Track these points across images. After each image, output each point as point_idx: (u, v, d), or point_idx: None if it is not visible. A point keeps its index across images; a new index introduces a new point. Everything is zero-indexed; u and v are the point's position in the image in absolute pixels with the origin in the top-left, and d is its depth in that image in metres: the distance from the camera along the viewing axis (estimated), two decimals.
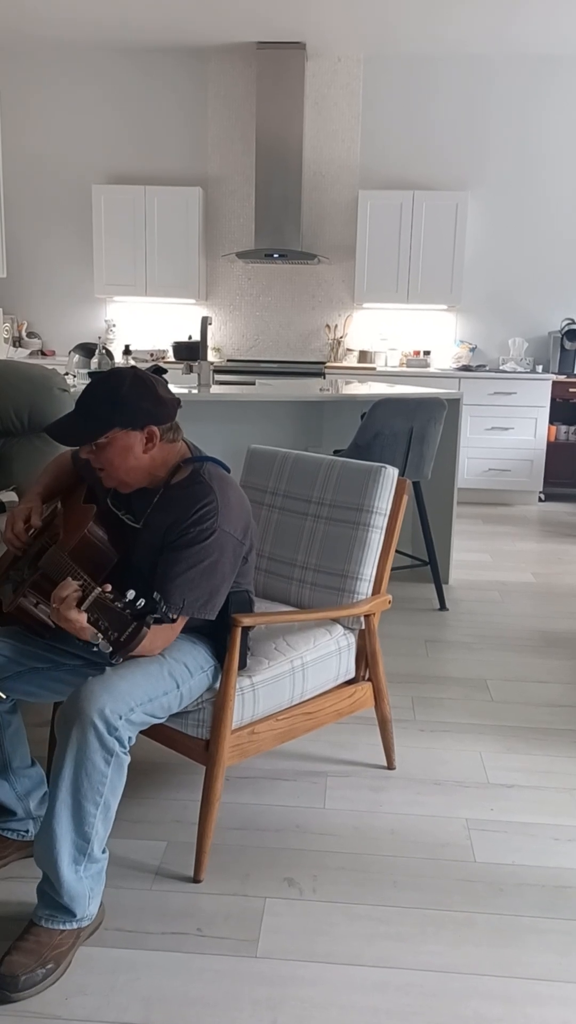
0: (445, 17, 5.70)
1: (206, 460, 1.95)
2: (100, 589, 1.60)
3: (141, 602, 1.57)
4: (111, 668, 1.82)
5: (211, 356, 6.92)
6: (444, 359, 6.87)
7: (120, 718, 1.74)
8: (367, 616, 2.36)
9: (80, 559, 1.84)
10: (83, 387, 1.86)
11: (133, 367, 1.89)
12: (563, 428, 6.62)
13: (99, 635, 1.56)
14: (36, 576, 1.89)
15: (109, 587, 1.62)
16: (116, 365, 4.85)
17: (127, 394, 1.82)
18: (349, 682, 2.42)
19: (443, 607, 4.06)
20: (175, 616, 1.80)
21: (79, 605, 1.60)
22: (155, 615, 1.56)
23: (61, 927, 1.77)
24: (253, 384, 4.77)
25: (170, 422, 1.89)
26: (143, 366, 1.99)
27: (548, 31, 5.92)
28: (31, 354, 6.78)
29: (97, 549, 1.90)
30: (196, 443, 2.12)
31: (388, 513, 2.39)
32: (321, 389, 4.41)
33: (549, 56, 6.42)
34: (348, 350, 6.92)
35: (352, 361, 6.87)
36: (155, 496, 1.94)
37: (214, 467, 1.94)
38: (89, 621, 1.58)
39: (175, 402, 1.90)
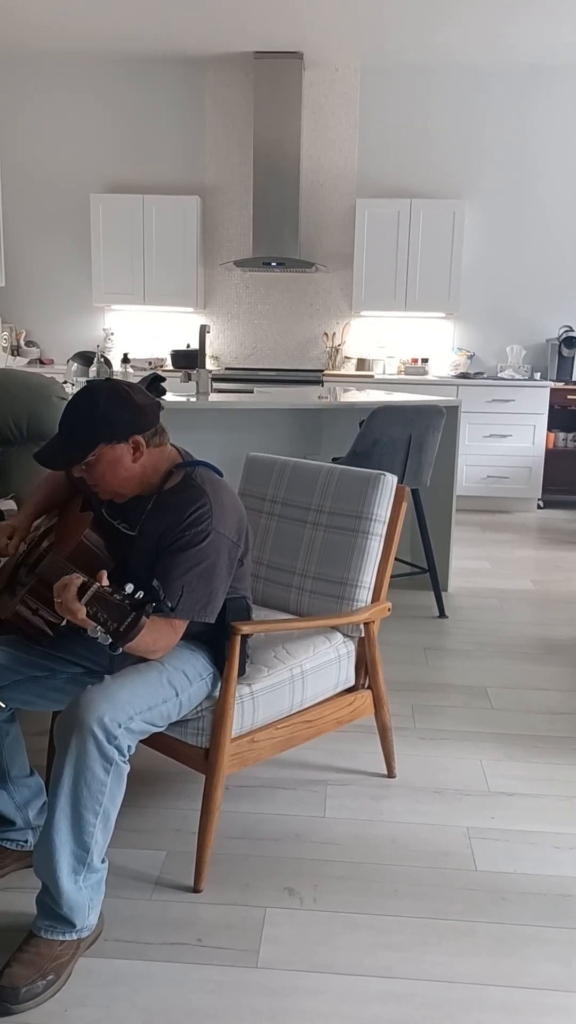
0: (441, 27, 5.73)
1: (198, 464, 1.96)
2: (99, 584, 1.60)
3: (140, 593, 1.58)
4: (110, 676, 1.82)
5: (209, 364, 6.92)
6: (442, 367, 6.88)
7: (119, 726, 1.73)
8: (367, 624, 2.35)
9: (77, 565, 1.84)
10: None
11: (108, 379, 1.88)
12: (561, 435, 6.62)
13: (98, 628, 1.56)
14: (34, 582, 1.89)
15: (107, 582, 1.62)
16: (114, 373, 4.86)
17: (104, 409, 1.81)
18: (349, 690, 2.41)
19: (442, 615, 4.05)
20: (172, 605, 1.80)
21: (81, 599, 1.59)
22: (154, 603, 1.56)
23: (61, 938, 1.76)
24: (251, 392, 4.77)
25: (153, 427, 1.89)
26: (141, 375, 2.00)
27: (542, 41, 5.95)
28: (29, 363, 6.79)
29: (94, 555, 1.90)
30: (195, 451, 2.12)
31: (387, 520, 2.39)
32: (319, 397, 4.41)
33: (543, 66, 6.45)
34: (346, 358, 6.93)
35: (350, 369, 6.87)
36: (149, 503, 1.93)
37: (206, 471, 1.95)
38: (88, 615, 1.57)
39: (155, 406, 1.90)
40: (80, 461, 1.83)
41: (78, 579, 1.61)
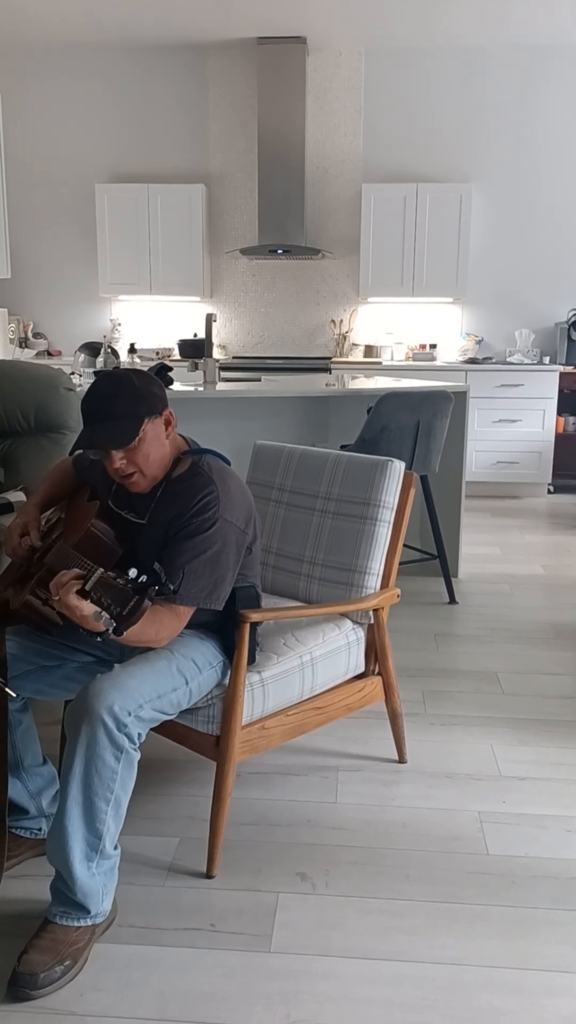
0: (444, 9, 5.67)
1: (204, 452, 1.97)
2: (103, 570, 1.61)
3: (143, 578, 1.59)
4: (119, 665, 1.82)
5: (216, 353, 6.91)
6: (450, 352, 6.85)
7: (129, 715, 1.74)
8: (376, 610, 2.36)
9: (85, 553, 1.84)
10: (88, 390, 1.87)
11: (116, 368, 1.93)
12: (571, 419, 6.59)
13: (102, 613, 1.57)
14: (43, 572, 1.89)
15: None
16: (122, 364, 4.86)
17: (140, 385, 1.87)
18: (359, 676, 2.41)
19: (452, 600, 4.05)
20: (175, 587, 1.80)
21: (84, 586, 1.60)
22: (156, 586, 1.58)
23: (76, 924, 1.78)
24: (259, 380, 4.77)
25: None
26: (149, 364, 2.04)
27: (545, 22, 5.88)
28: (37, 354, 6.79)
29: (101, 543, 1.91)
30: (202, 440, 2.13)
31: (395, 507, 2.39)
32: (327, 384, 4.40)
33: (547, 46, 6.38)
34: (354, 345, 6.91)
35: (358, 356, 6.85)
36: (157, 491, 1.94)
37: (213, 459, 1.96)
38: (93, 600, 1.58)
39: (162, 388, 1.98)
40: (135, 438, 1.84)
41: (76, 576, 1.62)
